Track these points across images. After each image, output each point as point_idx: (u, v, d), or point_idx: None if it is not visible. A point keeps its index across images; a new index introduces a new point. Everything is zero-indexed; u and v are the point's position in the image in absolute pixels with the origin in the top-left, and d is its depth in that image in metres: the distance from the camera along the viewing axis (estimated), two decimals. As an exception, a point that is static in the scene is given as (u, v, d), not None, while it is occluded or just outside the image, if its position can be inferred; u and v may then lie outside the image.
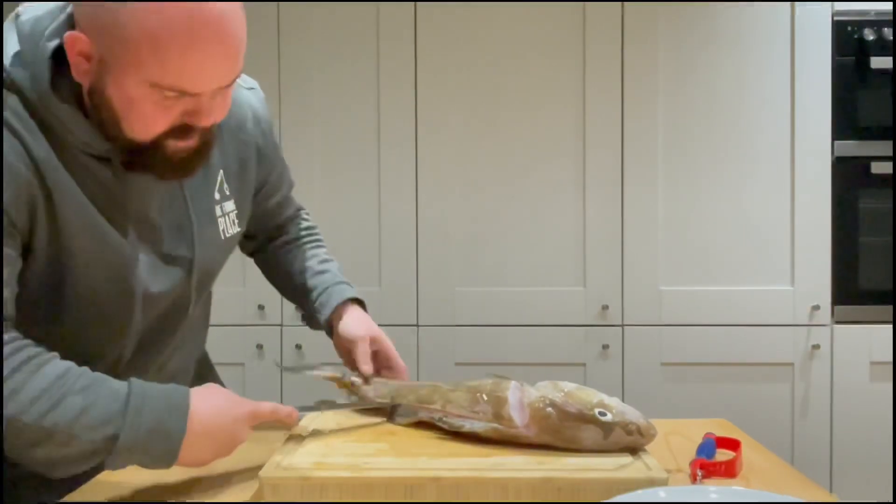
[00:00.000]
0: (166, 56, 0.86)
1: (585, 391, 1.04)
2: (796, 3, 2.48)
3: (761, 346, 2.49)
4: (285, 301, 2.60)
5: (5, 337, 0.90)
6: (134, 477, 1.01)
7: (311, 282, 1.34)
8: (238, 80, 1.13)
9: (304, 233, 1.41)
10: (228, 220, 1.15)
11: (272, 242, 1.41)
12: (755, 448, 1.15)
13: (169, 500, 0.96)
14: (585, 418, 1.00)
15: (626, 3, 2.51)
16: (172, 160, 0.96)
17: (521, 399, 1.04)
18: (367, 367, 1.25)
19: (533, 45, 2.53)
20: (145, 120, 0.91)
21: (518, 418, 1.03)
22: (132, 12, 0.85)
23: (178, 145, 0.95)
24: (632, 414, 1.01)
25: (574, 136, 2.53)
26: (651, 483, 0.90)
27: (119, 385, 0.92)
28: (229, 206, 1.15)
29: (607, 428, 0.99)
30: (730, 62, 2.51)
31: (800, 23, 2.48)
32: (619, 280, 2.52)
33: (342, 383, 1.25)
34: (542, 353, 2.50)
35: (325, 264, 1.37)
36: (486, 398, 1.07)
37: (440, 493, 0.91)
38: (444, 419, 1.10)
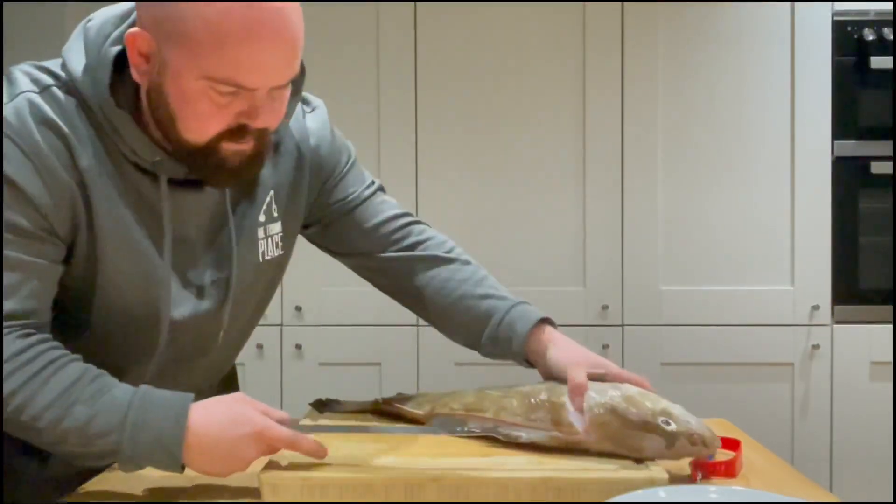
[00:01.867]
0: (224, 47, 0.87)
1: (648, 396, 1.01)
2: (796, 3, 2.48)
3: (761, 346, 2.49)
4: (285, 301, 2.62)
5: (29, 339, 0.92)
6: (134, 477, 1.01)
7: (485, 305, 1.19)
8: (302, 104, 1.14)
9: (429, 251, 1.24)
10: (271, 243, 1.12)
11: (410, 276, 1.23)
12: (755, 448, 1.15)
13: (169, 501, 0.96)
14: (649, 427, 0.97)
15: (626, 3, 2.51)
16: (226, 164, 0.95)
17: (579, 406, 1.02)
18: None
19: (533, 45, 2.53)
20: (200, 118, 0.92)
21: (578, 424, 1.00)
22: (193, 3, 0.87)
23: (232, 148, 0.94)
24: (696, 424, 0.98)
25: (574, 136, 2.53)
26: (651, 483, 0.90)
27: (123, 395, 0.92)
28: (275, 227, 1.12)
29: (671, 438, 0.97)
30: (730, 62, 2.51)
31: (800, 23, 2.48)
32: (619, 280, 2.52)
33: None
34: (542, 353, 2.50)
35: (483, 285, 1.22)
36: (543, 403, 1.03)
37: (440, 493, 0.91)
38: (499, 429, 1.05)
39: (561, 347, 1.14)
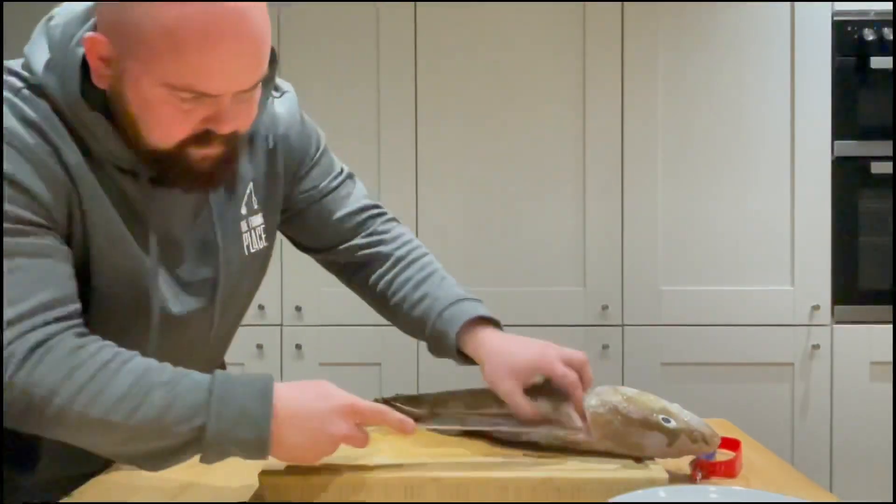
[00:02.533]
0: (181, 54, 0.84)
1: (647, 396, 1.02)
2: (796, 3, 2.48)
3: (761, 346, 2.49)
4: (285, 301, 2.63)
5: (86, 338, 0.89)
6: (133, 477, 1.01)
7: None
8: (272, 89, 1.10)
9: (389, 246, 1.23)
10: (255, 235, 1.11)
11: (361, 270, 1.24)
12: (755, 448, 1.15)
13: (169, 501, 0.96)
14: (650, 424, 0.98)
15: (626, 3, 2.51)
16: (196, 170, 0.93)
17: (579, 404, 1.02)
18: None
19: (533, 44, 2.53)
20: (163, 124, 0.89)
21: (578, 423, 1.01)
22: (149, 8, 0.84)
23: (199, 153, 0.92)
24: (696, 421, 0.99)
25: (574, 136, 2.53)
26: (651, 483, 0.90)
27: (201, 377, 0.89)
28: (256, 220, 1.11)
29: (672, 435, 0.97)
30: (730, 62, 2.51)
31: (800, 23, 2.48)
32: (619, 280, 2.52)
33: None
34: (542, 353, 2.50)
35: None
36: (543, 401, 1.04)
37: (440, 493, 0.91)
38: (499, 428, 1.06)
39: (492, 359, 1.08)
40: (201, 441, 0.86)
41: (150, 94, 0.87)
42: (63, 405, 0.84)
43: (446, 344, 1.13)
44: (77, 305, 0.91)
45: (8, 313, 0.85)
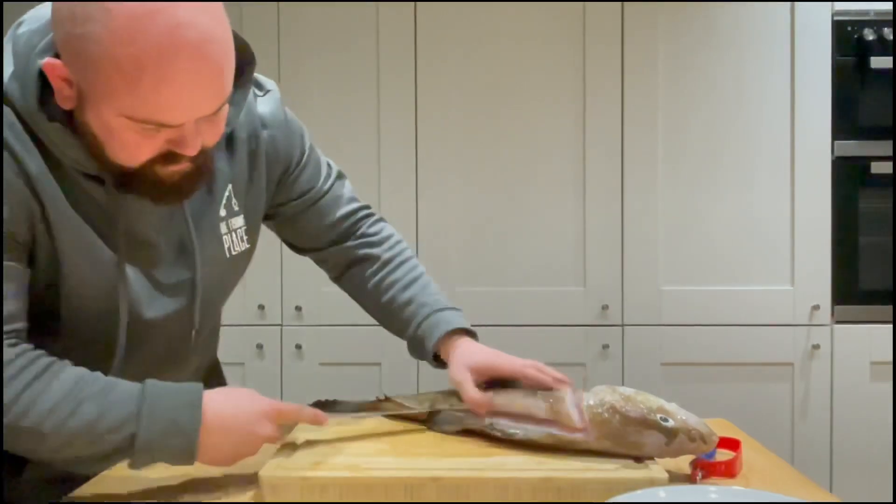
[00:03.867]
0: (138, 88, 0.82)
1: (644, 395, 1.02)
2: (796, 3, 2.48)
3: (761, 346, 2.49)
4: (285, 301, 2.62)
5: (18, 348, 0.90)
6: (133, 477, 1.01)
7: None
8: (254, 87, 1.09)
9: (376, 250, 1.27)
10: (236, 237, 1.10)
11: (350, 269, 1.29)
12: (755, 448, 1.15)
13: (168, 501, 0.96)
14: (648, 423, 0.98)
15: (626, 3, 2.51)
16: (164, 184, 0.92)
17: (577, 401, 1.03)
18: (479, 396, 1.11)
19: (533, 44, 2.53)
20: (128, 148, 0.88)
21: (577, 422, 1.01)
22: (101, 42, 0.80)
23: (168, 170, 0.91)
24: (694, 420, 0.99)
25: (574, 136, 2.53)
26: (651, 483, 0.90)
27: (132, 386, 0.92)
28: (237, 221, 1.10)
29: (670, 434, 0.97)
30: (729, 62, 2.51)
31: (800, 23, 2.48)
32: (619, 280, 2.52)
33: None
34: (542, 353, 2.49)
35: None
36: (542, 401, 1.04)
37: (440, 493, 0.91)
38: (496, 425, 1.06)
39: (455, 359, 1.15)
40: (131, 449, 0.89)
41: (112, 123, 0.86)
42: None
43: (424, 349, 1.20)
44: (22, 323, 0.92)
45: None
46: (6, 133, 0.90)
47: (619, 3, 2.51)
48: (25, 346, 0.91)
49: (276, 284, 2.54)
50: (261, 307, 2.54)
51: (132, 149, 0.88)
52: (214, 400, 0.93)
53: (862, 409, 2.47)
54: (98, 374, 0.93)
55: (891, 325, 2.44)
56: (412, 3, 2.53)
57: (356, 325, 2.49)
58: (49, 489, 1.04)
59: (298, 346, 2.55)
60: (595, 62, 2.52)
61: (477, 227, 2.54)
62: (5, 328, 0.90)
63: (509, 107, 2.54)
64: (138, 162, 0.89)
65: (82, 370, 0.92)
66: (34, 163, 0.91)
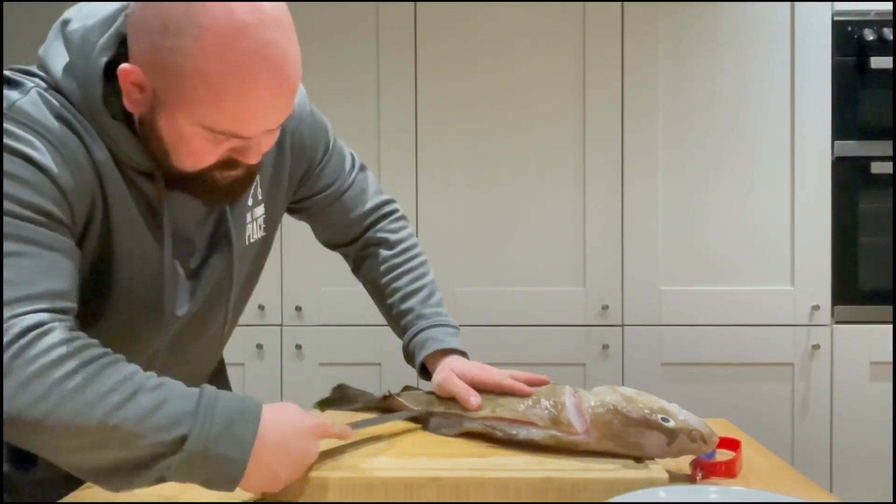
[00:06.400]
0: (221, 101, 0.85)
1: (645, 396, 1.02)
2: (796, 3, 2.48)
3: (761, 346, 2.49)
4: (285, 301, 2.62)
5: (72, 333, 0.83)
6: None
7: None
8: None
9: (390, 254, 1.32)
10: (255, 226, 1.13)
11: (364, 264, 1.34)
12: (755, 448, 1.15)
13: (169, 501, 0.96)
14: (649, 424, 0.98)
15: (626, 3, 2.51)
16: (218, 187, 0.95)
17: (577, 404, 1.02)
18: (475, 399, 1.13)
19: (533, 44, 2.53)
20: (195, 155, 0.91)
21: (577, 423, 1.01)
22: (190, 54, 0.84)
23: (225, 175, 0.94)
24: (694, 421, 0.99)
25: (574, 136, 2.53)
26: (651, 483, 0.90)
27: (190, 388, 0.87)
28: (259, 210, 1.13)
29: (671, 434, 0.97)
30: (729, 62, 2.51)
31: (800, 23, 2.48)
32: (619, 280, 2.52)
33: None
34: (542, 353, 2.50)
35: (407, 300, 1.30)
36: (542, 401, 1.04)
37: (440, 493, 0.91)
38: (496, 427, 1.06)
39: (439, 368, 1.20)
40: (176, 451, 0.81)
41: (186, 130, 0.89)
42: (40, 395, 0.79)
43: (413, 361, 1.25)
44: (75, 305, 0.88)
45: (11, 293, 0.82)
46: (74, 122, 0.91)
47: (619, 3, 2.51)
48: (78, 332, 0.84)
49: (276, 284, 2.54)
50: (261, 307, 2.54)
51: (199, 155, 0.91)
52: (272, 413, 0.90)
53: (862, 410, 2.47)
54: (152, 372, 0.86)
55: (891, 325, 2.44)
56: (412, 3, 2.53)
57: (356, 325, 2.49)
58: (49, 489, 1.04)
59: (298, 347, 2.55)
60: (595, 62, 2.52)
61: (477, 227, 2.54)
62: (55, 305, 0.84)
63: (509, 107, 2.54)
64: (201, 167, 0.93)
65: (136, 366, 0.86)
66: (100, 151, 0.93)
